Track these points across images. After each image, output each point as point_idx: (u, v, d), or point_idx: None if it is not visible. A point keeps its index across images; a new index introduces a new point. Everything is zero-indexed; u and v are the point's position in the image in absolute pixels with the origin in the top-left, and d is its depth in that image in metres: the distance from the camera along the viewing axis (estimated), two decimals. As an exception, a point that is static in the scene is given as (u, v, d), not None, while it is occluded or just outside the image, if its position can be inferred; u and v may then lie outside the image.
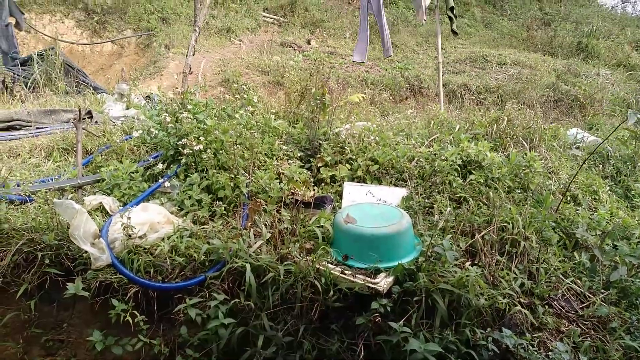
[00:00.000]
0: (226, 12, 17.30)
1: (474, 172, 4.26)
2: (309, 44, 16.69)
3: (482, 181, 4.19)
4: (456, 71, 14.03)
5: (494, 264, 3.38)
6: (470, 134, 5.11)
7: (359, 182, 4.26)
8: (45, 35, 13.33)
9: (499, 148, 5.04)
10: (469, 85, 12.27)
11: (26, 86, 8.28)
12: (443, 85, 10.24)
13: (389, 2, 19.45)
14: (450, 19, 8.28)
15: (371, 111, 9.98)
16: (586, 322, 3.26)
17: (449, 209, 3.76)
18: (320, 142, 4.64)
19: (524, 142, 5.13)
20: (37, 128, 5.76)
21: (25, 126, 5.95)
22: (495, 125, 5.23)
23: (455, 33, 8.77)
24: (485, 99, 11.78)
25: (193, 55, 6.17)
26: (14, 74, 8.37)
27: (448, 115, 6.54)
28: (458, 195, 4.09)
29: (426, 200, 4.01)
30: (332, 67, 13.09)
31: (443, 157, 4.35)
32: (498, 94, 11.88)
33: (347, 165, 4.43)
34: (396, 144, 4.75)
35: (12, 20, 10.68)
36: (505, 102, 11.07)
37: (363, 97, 5.66)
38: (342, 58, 14.36)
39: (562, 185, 4.59)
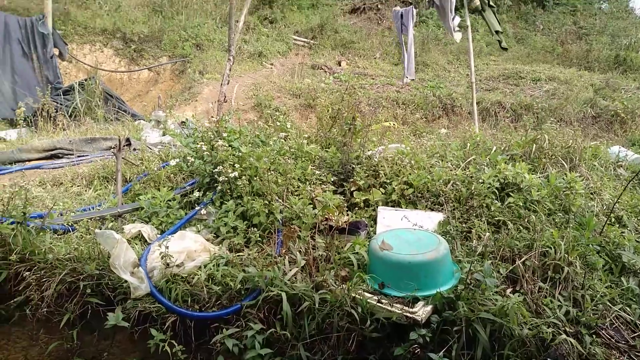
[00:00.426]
0: (258, 37, 17.68)
1: (512, 194, 4.15)
2: (340, 65, 16.83)
3: (521, 204, 4.07)
4: (489, 88, 13.85)
5: (536, 291, 3.25)
6: (507, 155, 5.00)
7: (394, 207, 4.21)
8: (85, 64, 13.91)
9: (537, 169, 4.90)
10: (503, 102, 12.08)
11: (68, 115, 8.64)
12: (477, 103, 10.12)
13: (419, 21, 19.44)
14: (499, 41, 8.16)
15: (403, 132, 9.95)
16: (639, 354, 3.08)
17: (487, 233, 3.66)
18: (353, 166, 4.63)
19: (563, 162, 4.98)
20: (79, 156, 5.98)
21: (67, 154, 6.19)
22: (533, 146, 5.10)
23: (505, 49, 8.62)
24: (521, 116, 11.55)
25: (228, 84, 6.30)
26: (57, 103, 8.74)
27: (483, 135, 6.44)
28: (496, 219, 3.98)
29: (463, 225, 3.91)
30: (362, 88, 13.18)
31: (480, 180, 4.26)
32: (534, 111, 11.63)
33: (381, 189, 4.39)
34: (431, 167, 4.68)
35: (56, 52, 11.20)
36: (541, 120, 10.84)
37: (394, 124, 5.63)
38: (373, 78, 14.41)
39: (605, 207, 4.41)
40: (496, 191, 4.18)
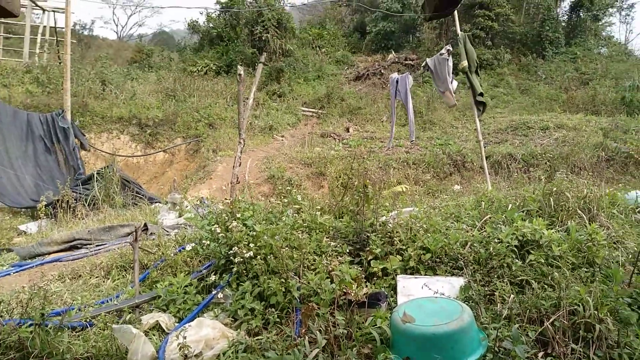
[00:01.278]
0: (267, 111, 18.28)
1: (532, 252, 4.06)
2: (348, 131, 17.20)
3: (542, 261, 3.96)
4: (498, 141, 13.94)
5: (569, 353, 3.08)
6: (523, 210, 4.94)
7: (413, 274, 4.13)
8: (103, 152, 14.45)
9: (555, 223, 4.81)
10: (514, 154, 12.10)
11: (87, 204, 8.85)
12: (487, 157, 10.16)
13: (422, 81, 20.02)
14: (482, 103, 8.33)
15: (416, 192, 9.95)
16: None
17: (511, 295, 3.55)
18: (368, 234, 4.60)
19: (581, 214, 4.89)
20: (97, 246, 6.06)
21: (86, 244, 6.27)
22: (549, 199, 5.05)
23: (481, 108, 8.76)
24: (533, 166, 11.52)
25: (239, 165, 6.46)
26: (77, 193, 8.99)
27: (496, 189, 6.42)
28: (519, 278, 3.86)
29: (486, 288, 3.80)
30: (372, 151, 13.37)
31: (498, 239, 4.18)
32: (545, 159, 11.60)
33: (398, 256, 4.33)
34: (446, 229, 4.64)
35: (78, 143, 11.69)
36: (554, 168, 10.79)
37: (406, 188, 5.66)
38: (381, 141, 14.63)
39: (630, 255, 4.26)
40: (515, 250, 4.10)
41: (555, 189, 5.32)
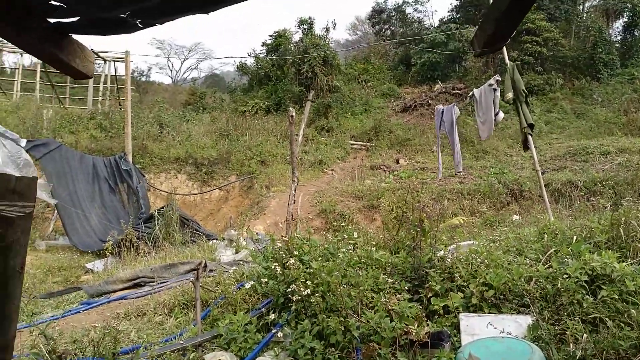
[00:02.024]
0: (317, 146, 18.56)
1: (604, 287, 3.82)
2: (398, 163, 17.12)
3: (616, 297, 3.72)
4: (556, 168, 13.43)
5: (655, 399, 2.86)
6: (590, 242, 4.69)
7: (475, 312, 3.98)
8: (162, 191, 15.07)
9: (627, 255, 4.53)
10: (574, 181, 11.60)
11: (149, 242, 9.22)
12: (545, 185, 9.78)
13: (471, 110, 19.74)
14: (530, 134, 8.09)
15: (473, 223, 9.68)
16: None
17: (584, 334, 3.35)
18: (426, 270, 4.50)
19: (656, 244, 4.59)
20: (159, 283, 6.26)
21: (149, 282, 6.50)
22: (619, 229, 4.78)
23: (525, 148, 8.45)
24: (596, 193, 10.97)
25: (294, 203, 6.57)
26: (139, 232, 9.39)
27: (558, 220, 6.15)
28: (592, 316, 3.64)
29: (556, 327, 3.61)
30: (424, 183, 13.20)
31: (565, 275, 3.98)
32: (609, 186, 11.02)
33: (459, 293, 4.20)
34: (509, 264, 4.47)
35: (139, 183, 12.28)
36: (619, 195, 10.22)
37: (464, 220, 5.53)
38: (433, 172, 14.44)
39: None
40: (585, 285, 3.88)
41: (623, 218, 5.04)
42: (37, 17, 1.92)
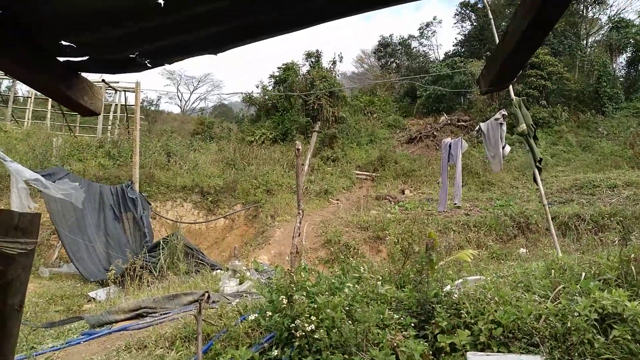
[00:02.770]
0: (322, 176, 18.61)
1: (615, 326, 3.73)
2: (403, 193, 17.10)
3: (629, 337, 3.63)
4: (563, 201, 13.34)
5: None
6: (600, 279, 4.61)
7: (483, 350, 3.89)
8: (168, 219, 15.08)
9: (638, 293, 4.44)
10: (582, 214, 11.49)
11: (154, 270, 9.17)
12: (552, 218, 9.69)
13: (477, 142, 19.81)
14: (539, 169, 8.08)
15: (479, 256, 9.57)
16: None
17: (597, 376, 3.25)
18: (433, 305, 4.43)
19: (668, 282, 4.50)
20: (162, 314, 6.19)
21: (151, 313, 6.42)
22: (629, 266, 4.70)
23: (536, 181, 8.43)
24: (604, 227, 10.86)
25: (299, 236, 6.54)
26: (144, 261, 9.36)
27: (566, 254, 6.06)
28: (604, 357, 3.55)
29: (566, 368, 3.52)
30: (430, 214, 13.14)
31: (575, 313, 3.90)
32: (617, 220, 10.91)
33: (466, 330, 4.11)
34: (517, 300, 4.38)
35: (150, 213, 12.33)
36: (627, 229, 10.10)
37: (472, 254, 5.47)
38: (439, 203, 14.37)
39: None
40: (596, 324, 3.79)
41: (633, 254, 4.96)
42: (47, 56, 1.97)
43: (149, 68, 2.07)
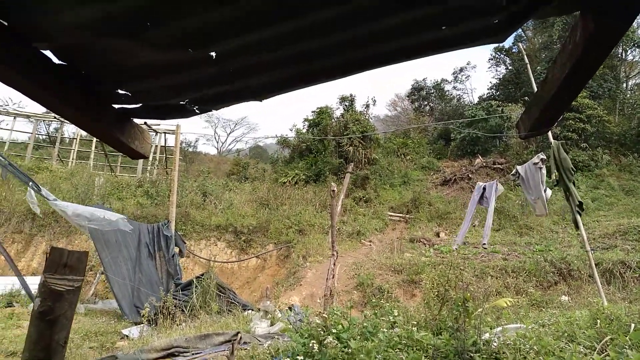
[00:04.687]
0: (355, 217, 18.54)
1: (670, 383, 3.50)
2: (438, 236, 16.79)
3: (685, 395, 3.39)
4: (606, 246, 12.81)
5: None
6: (650, 331, 4.36)
7: (526, 403, 3.70)
8: (201, 257, 15.25)
9: (694, 347, 4.17)
10: (627, 261, 10.99)
11: (187, 309, 9.21)
12: (596, 265, 9.31)
13: (514, 185, 19.44)
14: (579, 213, 7.87)
15: (518, 303, 9.20)
16: None
17: None
18: (471, 354, 4.27)
19: None
20: (194, 354, 6.18)
21: (183, 352, 6.42)
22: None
23: (577, 227, 8.18)
24: (652, 275, 10.33)
25: (333, 277, 6.51)
26: (177, 300, 9.43)
27: (612, 303, 5.77)
28: (658, 416, 3.31)
29: None
30: (466, 258, 12.82)
31: (625, 367, 3.69)
32: (666, 268, 10.38)
33: (507, 381, 3.94)
34: (560, 351, 4.18)
35: (177, 250, 12.50)
36: (679, 279, 9.59)
37: (510, 302, 5.29)
38: (475, 247, 14.04)
39: None
40: (648, 380, 3.57)
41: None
42: (105, 104, 2.11)
43: (197, 114, 2.19)
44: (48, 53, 1.88)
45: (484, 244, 9.75)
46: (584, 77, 2.08)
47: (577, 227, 7.67)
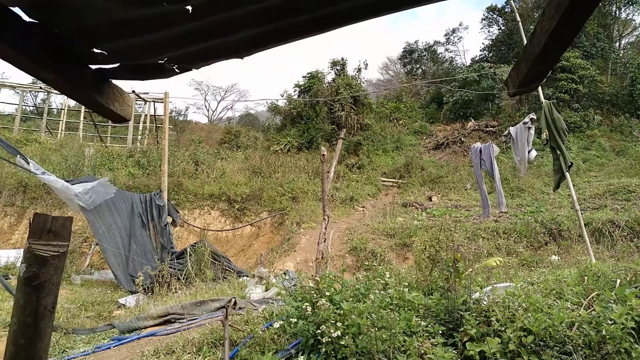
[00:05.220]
0: (348, 183, 18.58)
1: (654, 335, 3.60)
2: (431, 200, 16.90)
3: (669, 346, 3.49)
4: (596, 207, 12.96)
5: None
6: (636, 286, 4.45)
7: (513, 358, 3.79)
8: (195, 227, 15.29)
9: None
10: (616, 220, 11.13)
11: (181, 276, 9.29)
12: (585, 225, 9.43)
13: (505, 148, 19.48)
14: (564, 176, 7.88)
15: (509, 263, 9.36)
16: None
17: (635, 387, 3.13)
18: (461, 313, 4.35)
19: None
20: (189, 320, 6.26)
21: (179, 319, 6.51)
22: (666, 273, 4.53)
23: (557, 187, 8.22)
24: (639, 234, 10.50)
25: (324, 241, 6.54)
26: (172, 268, 9.49)
27: (600, 261, 5.88)
28: (642, 367, 3.42)
29: (602, 378, 3.39)
30: (457, 221, 12.94)
31: (610, 320, 3.77)
32: (655, 226, 10.54)
33: (496, 338, 4.02)
34: (548, 308, 4.26)
35: (170, 220, 12.52)
36: (667, 236, 9.76)
37: (500, 261, 5.35)
38: (467, 210, 14.16)
39: None
40: (633, 332, 3.66)
41: (672, 261, 4.78)
42: (81, 65, 2.03)
43: (177, 73, 2.12)
44: (18, 11, 1.80)
45: (503, 211, 9.73)
46: (572, 29, 2.02)
47: (557, 187, 7.70)
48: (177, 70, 2.08)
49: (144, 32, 1.83)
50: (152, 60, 2.02)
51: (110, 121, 17.21)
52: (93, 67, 2.09)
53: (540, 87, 8.48)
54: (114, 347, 5.56)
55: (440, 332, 4.21)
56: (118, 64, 2.06)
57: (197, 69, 2.14)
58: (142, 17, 1.73)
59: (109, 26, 1.79)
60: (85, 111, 23.28)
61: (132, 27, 1.80)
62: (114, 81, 2.26)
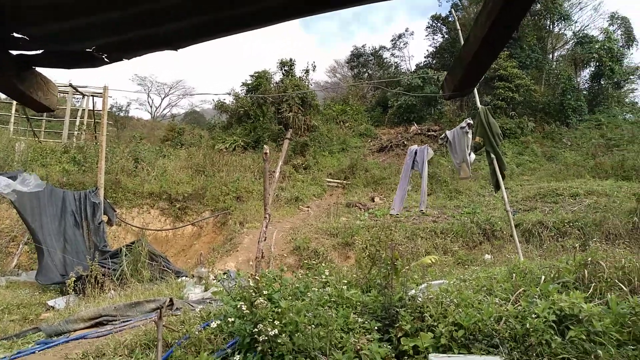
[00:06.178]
0: (293, 183, 18.58)
1: (572, 327, 3.85)
2: (373, 201, 17.23)
3: (584, 337, 3.74)
4: (527, 208, 13.69)
5: None
6: (559, 282, 4.75)
7: (445, 352, 3.93)
8: (133, 226, 14.76)
9: (594, 295, 4.59)
10: (545, 222, 11.82)
11: (116, 278, 8.93)
12: (516, 226, 9.96)
13: (445, 151, 20.17)
14: (497, 182, 8.30)
15: (446, 262, 9.71)
16: None
17: (553, 376, 3.33)
18: (397, 309, 4.46)
19: (621, 285, 4.66)
20: (123, 322, 6.04)
21: (112, 321, 6.26)
22: (585, 270, 4.85)
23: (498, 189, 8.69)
24: (565, 233, 11.20)
25: (265, 240, 6.50)
26: (105, 267, 9.11)
27: (529, 259, 6.22)
28: (560, 356, 3.64)
29: (525, 368, 3.59)
30: (398, 221, 13.27)
31: (534, 314, 4.00)
32: (578, 227, 11.27)
33: (429, 332, 4.16)
34: (479, 303, 4.46)
35: (105, 218, 12.01)
36: (587, 236, 10.46)
37: (435, 259, 5.55)
38: (407, 211, 14.54)
39: (682, 331, 3.99)
40: (554, 325, 3.90)
41: (590, 258, 5.13)
42: (1, 50, 1.91)
43: (107, 63, 2.03)
44: None
45: (422, 210, 10.07)
46: (502, 36, 2.12)
47: (497, 189, 8.09)
48: (106, 59, 1.99)
49: (68, 17, 1.74)
50: (79, 47, 1.93)
51: (44, 115, 16.26)
52: (14, 53, 1.97)
53: (477, 93, 8.87)
54: (38, 351, 5.26)
55: (376, 328, 4.29)
56: (42, 51, 1.95)
57: (128, 59, 2.06)
58: (66, 1, 1.65)
59: (29, 9, 1.70)
60: (17, 104, 21.87)
61: (55, 12, 1.71)
62: (38, 69, 2.14)
